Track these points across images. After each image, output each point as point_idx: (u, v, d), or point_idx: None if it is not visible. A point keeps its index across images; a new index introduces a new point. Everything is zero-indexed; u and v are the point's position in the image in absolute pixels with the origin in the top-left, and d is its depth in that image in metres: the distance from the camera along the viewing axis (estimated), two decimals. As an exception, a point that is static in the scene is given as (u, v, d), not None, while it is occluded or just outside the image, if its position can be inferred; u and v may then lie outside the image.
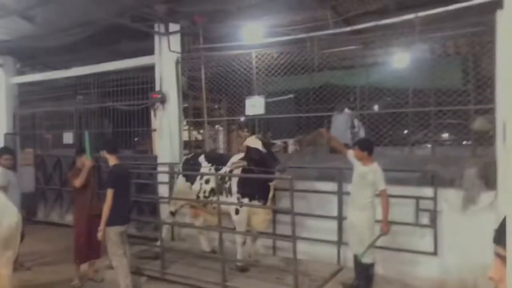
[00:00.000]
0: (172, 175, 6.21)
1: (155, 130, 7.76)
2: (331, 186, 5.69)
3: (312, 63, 6.79)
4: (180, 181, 6.03)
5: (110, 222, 4.67)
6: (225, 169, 5.55)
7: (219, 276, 5.06)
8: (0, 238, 3.78)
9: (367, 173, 4.59)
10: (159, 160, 7.14)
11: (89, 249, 5.29)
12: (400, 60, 6.81)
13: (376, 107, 8.31)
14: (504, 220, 1.26)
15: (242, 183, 5.39)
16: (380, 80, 7.28)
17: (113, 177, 4.81)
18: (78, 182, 5.22)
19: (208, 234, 6.22)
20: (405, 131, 7.88)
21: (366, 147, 4.67)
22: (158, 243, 5.77)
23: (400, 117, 6.41)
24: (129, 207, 5.15)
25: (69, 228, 5.76)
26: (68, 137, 8.97)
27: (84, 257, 5.35)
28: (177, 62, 7.02)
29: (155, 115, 7.55)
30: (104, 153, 4.92)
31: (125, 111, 8.23)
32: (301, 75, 7.03)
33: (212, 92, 7.38)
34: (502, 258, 1.19)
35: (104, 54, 8.53)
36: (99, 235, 4.68)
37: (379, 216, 4.55)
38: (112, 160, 4.91)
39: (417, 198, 5.10)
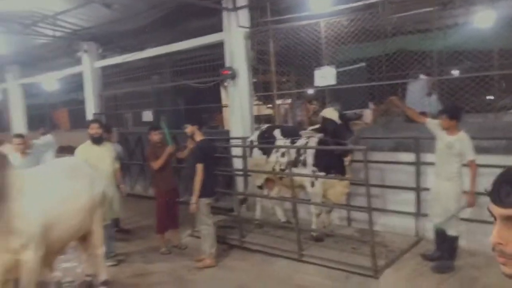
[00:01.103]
0: (246, 149, 6.38)
1: (226, 106, 7.99)
2: (407, 156, 5.52)
3: (385, 29, 6.50)
4: (256, 154, 6.19)
5: (200, 194, 4.96)
6: (300, 142, 5.61)
7: (294, 245, 5.22)
8: (94, 202, 4.26)
9: (453, 143, 4.35)
10: (231, 135, 7.36)
11: (169, 219, 5.70)
12: (483, 19, 6.26)
13: (455, 72, 7.79)
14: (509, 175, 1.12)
15: (317, 155, 5.41)
16: (460, 43, 6.78)
17: (202, 152, 5.05)
18: (156, 164, 5.55)
19: (283, 205, 6.39)
20: (489, 97, 7.34)
21: (455, 115, 4.37)
22: (235, 213, 6.06)
23: (483, 81, 5.96)
24: (215, 180, 5.36)
25: (152, 200, 6.19)
26: (147, 115, 9.53)
27: (165, 227, 5.75)
28: (245, 37, 7.08)
29: (224, 91, 7.74)
30: (194, 129, 5.14)
31: (195, 89, 8.54)
32: (372, 42, 6.77)
33: (281, 65, 7.37)
34: (508, 219, 1.07)
35: (175, 34, 8.85)
36: (193, 207, 4.98)
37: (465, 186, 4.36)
38: (198, 136, 5.15)
39: (505, 168, 4.77)
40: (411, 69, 6.86)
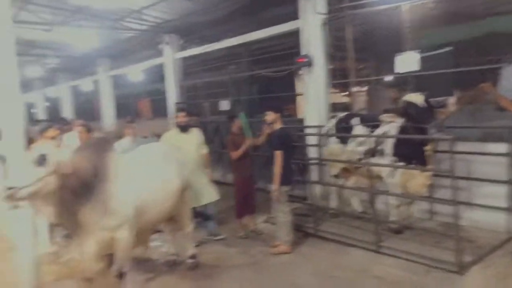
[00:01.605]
0: (321, 137, 6.33)
1: (300, 94, 7.96)
2: (498, 147, 5.11)
3: (474, 10, 6.02)
4: (333, 143, 6.13)
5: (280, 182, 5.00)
6: (379, 131, 5.45)
7: (372, 236, 5.12)
8: (182, 185, 4.54)
9: None
10: (306, 123, 7.34)
11: (246, 205, 5.86)
12: None
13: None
14: None
15: (397, 144, 5.22)
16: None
17: (281, 139, 5.09)
18: (235, 155, 5.70)
19: (359, 195, 6.27)
20: None
21: None
22: (310, 201, 6.07)
23: None
24: (292, 168, 5.38)
25: (230, 186, 6.40)
26: (224, 104, 9.82)
27: (242, 213, 5.92)
28: (322, 24, 6.98)
29: (300, 79, 7.71)
30: (276, 116, 5.19)
31: (270, 78, 8.61)
32: (460, 25, 6.31)
33: (358, 52, 7.17)
34: None
35: (252, 23, 8.97)
36: (274, 194, 5.08)
37: None
38: (278, 124, 5.21)
39: None
40: (504, 53, 6.29)
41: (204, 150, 5.68)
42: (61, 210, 3.41)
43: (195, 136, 5.61)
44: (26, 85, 20.37)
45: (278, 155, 4.99)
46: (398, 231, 5.38)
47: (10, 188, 3.03)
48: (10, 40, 4.11)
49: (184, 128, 5.50)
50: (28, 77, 18.41)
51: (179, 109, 5.82)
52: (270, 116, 5.22)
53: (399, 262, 4.67)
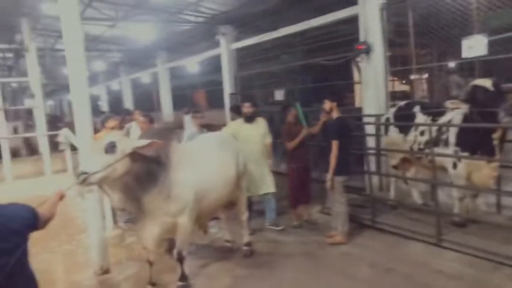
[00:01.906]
0: (379, 127, 6.14)
1: (358, 82, 7.75)
2: None
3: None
4: (392, 132, 5.92)
5: (334, 172, 4.95)
6: (443, 120, 5.18)
7: (432, 229, 4.92)
8: (239, 173, 4.67)
9: None
10: (364, 112, 7.14)
11: (301, 195, 5.83)
12: None
13: None
14: None
15: (461, 133, 4.95)
16: None
17: (338, 129, 5.00)
18: (291, 145, 5.65)
19: (420, 187, 6.03)
20: None
21: None
22: (367, 192, 5.93)
23: None
24: (350, 158, 5.24)
25: (282, 176, 6.39)
26: (279, 94, 9.81)
27: (297, 202, 5.90)
28: (381, 9, 6.72)
29: (357, 67, 7.50)
30: (333, 105, 5.09)
31: (326, 67, 8.45)
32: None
33: (419, 37, 6.82)
34: None
35: (308, 11, 8.83)
36: (328, 184, 5.01)
37: None
38: (336, 112, 5.10)
39: None
40: None
41: (268, 140, 5.69)
42: (127, 195, 3.59)
43: (260, 126, 5.62)
44: (91, 79, 21.60)
45: (334, 144, 4.91)
46: (461, 225, 5.13)
47: (82, 173, 3.22)
48: (79, 38, 4.37)
49: (249, 118, 5.54)
50: (93, 71, 19.51)
51: (245, 100, 5.81)
52: (327, 104, 5.12)
53: (462, 257, 4.46)
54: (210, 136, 5.18)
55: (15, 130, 12.29)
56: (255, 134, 5.52)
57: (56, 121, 13.66)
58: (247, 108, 5.54)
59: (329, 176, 4.98)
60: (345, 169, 5.03)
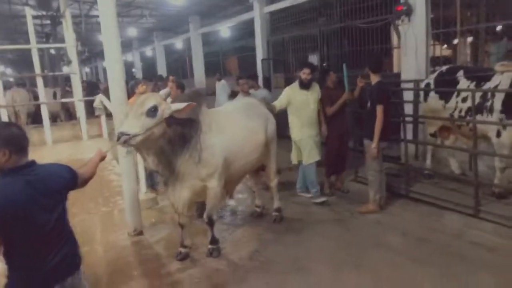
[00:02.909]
0: (418, 93, 5.86)
1: (397, 47, 7.38)
2: None
3: None
4: (432, 98, 5.63)
5: (373, 138, 4.77)
6: (489, 84, 4.86)
7: (470, 199, 4.75)
8: (268, 139, 4.64)
9: None
10: (403, 78, 6.83)
11: (337, 163, 5.71)
12: None
13: None
14: None
15: (509, 100, 4.62)
16: None
17: (382, 94, 4.79)
18: (331, 110, 5.46)
19: (458, 156, 5.78)
20: None
21: None
22: (402, 161, 5.75)
23: None
24: (390, 124, 5.00)
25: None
26: (313, 59, 9.53)
27: (332, 171, 5.80)
28: (425, -34, 6.27)
29: (396, 31, 7.10)
30: (368, 71, 4.90)
31: (363, 30, 8.08)
32: None
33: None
34: None
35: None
36: (373, 151, 4.77)
37: None
38: (375, 78, 4.87)
39: None
40: None
41: (318, 107, 5.49)
42: (160, 159, 3.62)
43: (316, 92, 5.43)
44: (125, 45, 21.80)
45: (380, 109, 4.68)
46: (502, 196, 4.92)
47: (123, 135, 3.26)
48: (112, 3, 4.33)
49: (306, 85, 5.31)
50: (127, 38, 19.64)
51: (305, 65, 5.50)
52: (366, 71, 4.91)
53: (500, 229, 4.30)
54: (240, 101, 5.12)
55: (55, 96, 12.67)
56: (311, 100, 5.33)
57: (93, 87, 13.96)
58: (305, 74, 5.28)
59: (374, 143, 4.74)
60: (385, 135, 4.82)
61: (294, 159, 5.60)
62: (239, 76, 6.54)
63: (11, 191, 1.95)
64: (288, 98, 5.33)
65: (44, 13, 14.29)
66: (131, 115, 3.38)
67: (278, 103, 5.36)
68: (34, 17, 9.05)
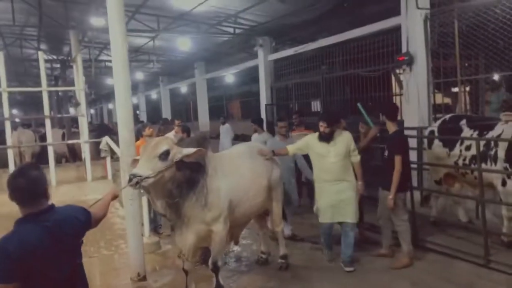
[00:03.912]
0: (422, 140, 5.93)
1: (399, 94, 7.56)
2: None
3: None
4: (436, 146, 5.69)
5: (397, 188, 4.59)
6: (492, 133, 4.93)
7: (479, 248, 4.67)
8: (273, 183, 4.63)
9: None
10: (406, 125, 6.94)
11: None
12: None
13: None
14: None
15: (511, 149, 4.68)
16: None
17: (401, 144, 4.71)
18: (360, 148, 5.09)
19: (465, 204, 5.76)
20: None
21: None
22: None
23: None
24: (410, 173, 4.94)
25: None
26: (316, 105, 9.71)
27: None
28: (425, 19, 6.55)
29: (397, 79, 7.31)
30: (384, 118, 4.78)
31: (365, 77, 8.31)
32: None
33: (465, 48, 6.59)
34: None
35: (348, 22, 8.76)
36: (390, 202, 4.60)
37: None
38: (392, 127, 4.75)
39: None
40: None
41: (356, 157, 4.79)
42: (167, 202, 3.63)
43: (342, 142, 4.72)
44: (131, 88, 22.29)
45: (398, 159, 4.56)
46: (510, 245, 4.83)
47: (135, 176, 3.28)
48: (124, 51, 4.49)
49: (326, 138, 4.72)
50: (133, 81, 20.14)
51: (320, 118, 4.85)
52: (382, 119, 4.81)
53: (511, 279, 4.18)
54: (244, 145, 5.16)
55: (63, 137, 12.80)
56: (332, 151, 4.67)
57: (105, 129, 14.01)
58: (323, 128, 4.72)
59: (392, 193, 4.58)
60: (405, 186, 4.76)
61: (325, 218, 4.86)
62: (279, 118, 6.30)
63: (28, 238, 1.93)
64: (307, 147, 4.88)
65: (55, 57, 14.74)
66: (144, 158, 3.43)
67: (293, 148, 4.96)
68: (45, 61, 9.32)
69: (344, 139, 4.75)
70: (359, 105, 5.50)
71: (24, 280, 1.90)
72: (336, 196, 4.68)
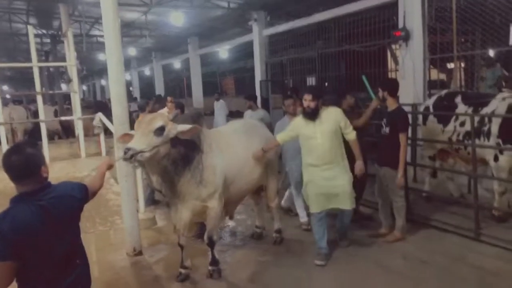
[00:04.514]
0: (416, 117, 5.93)
1: (394, 70, 7.52)
2: None
3: None
4: (431, 122, 5.71)
5: (397, 165, 4.49)
6: (486, 110, 4.95)
7: (470, 222, 4.76)
8: (268, 159, 4.62)
9: None
10: (401, 101, 6.91)
11: (357, 190, 4.90)
12: None
13: None
14: None
15: (504, 124, 4.71)
16: None
17: (406, 120, 4.63)
18: (361, 121, 4.95)
19: (457, 180, 5.82)
20: None
21: None
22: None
23: None
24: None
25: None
26: (311, 81, 9.66)
27: None
28: (423, -6, 6.46)
29: (392, 55, 7.25)
30: (386, 95, 4.61)
31: (360, 53, 8.24)
32: None
33: (462, 23, 6.52)
34: None
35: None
36: (401, 181, 4.51)
37: None
38: (393, 103, 4.62)
39: None
40: None
41: (351, 134, 4.27)
42: (163, 178, 3.65)
43: (331, 121, 4.17)
44: (124, 64, 21.98)
45: (404, 137, 4.48)
46: (502, 219, 4.94)
47: (129, 149, 3.26)
48: (116, 25, 4.40)
49: (310, 115, 4.16)
50: (126, 57, 19.84)
51: (305, 90, 4.35)
52: (379, 93, 4.68)
53: (501, 252, 4.29)
54: (240, 122, 5.14)
55: (56, 114, 12.67)
56: (319, 131, 4.14)
57: (102, 107, 13.83)
58: (307, 101, 4.14)
59: (400, 172, 4.50)
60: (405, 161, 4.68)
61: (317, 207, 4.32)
62: (285, 95, 5.90)
63: (22, 218, 1.91)
64: (296, 131, 4.32)
65: (44, 31, 14.42)
66: (139, 133, 3.41)
67: (283, 136, 4.46)
68: (35, 36, 9.12)
69: (331, 115, 4.19)
70: (363, 77, 5.38)
71: (21, 259, 1.90)
72: (328, 183, 4.16)
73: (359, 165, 4.29)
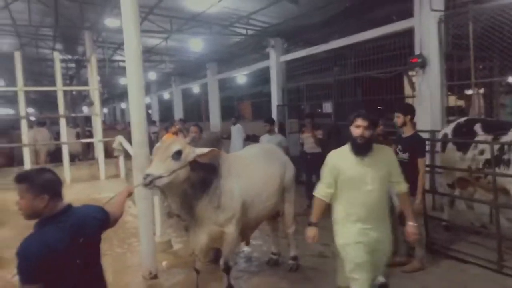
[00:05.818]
0: (434, 144, 5.89)
1: (411, 97, 7.51)
2: None
3: None
4: (450, 149, 5.64)
5: (414, 192, 4.27)
6: (506, 138, 4.88)
7: (492, 253, 4.62)
8: (286, 185, 4.64)
9: None
10: (418, 127, 6.87)
11: None
12: None
13: None
14: None
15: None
16: None
17: (424, 146, 4.60)
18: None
19: (478, 209, 5.70)
20: None
21: None
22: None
23: None
24: None
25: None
26: (327, 107, 9.70)
27: None
28: (439, 21, 6.50)
29: (409, 81, 7.26)
30: (407, 119, 4.57)
31: (377, 79, 8.27)
32: None
33: (479, 51, 6.52)
34: None
35: (360, 24, 8.73)
36: (420, 207, 4.40)
37: None
38: (411, 128, 4.62)
39: None
40: None
41: (403, 186, 3.21)
42: (182, 202, 3.68)
43: (384, 162, 3.11)
44: (144, 88, 22.47)
45: (423, 162, 4.47)
46: (525, 251, 4.77)
47: (148, 175, 3.33)
48: (138, 51, 4.54)
49: (361, 148, 3.04)
50: (146, 81, 20.32)
51: (357, 114, 3.06)
52: (399, 118, 4.61)
53: (526, 286, 4.15)
54: (258, 146, 5.18)
55: (77, 136, 12.97)
56: (370, 174, 3.03)
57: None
58: (360, 129, 3.02)
59: (418, 198, 4.41)
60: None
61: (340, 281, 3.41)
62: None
63: (49, 240, 1.97)
64: (333, 170, 3.10)
65: (69, 57, 14.94)
66: (157, 158, 3.47)
67: (324, 189, 3.14)
68: (60, 61, 9.47)
69: (385, 156, 3.16)
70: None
71: (46, 280, 1.95)
72: (375, 246, 3.06)
73: (411, 227, 3.17)
